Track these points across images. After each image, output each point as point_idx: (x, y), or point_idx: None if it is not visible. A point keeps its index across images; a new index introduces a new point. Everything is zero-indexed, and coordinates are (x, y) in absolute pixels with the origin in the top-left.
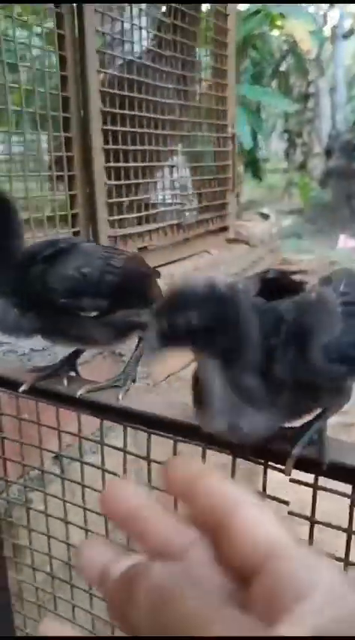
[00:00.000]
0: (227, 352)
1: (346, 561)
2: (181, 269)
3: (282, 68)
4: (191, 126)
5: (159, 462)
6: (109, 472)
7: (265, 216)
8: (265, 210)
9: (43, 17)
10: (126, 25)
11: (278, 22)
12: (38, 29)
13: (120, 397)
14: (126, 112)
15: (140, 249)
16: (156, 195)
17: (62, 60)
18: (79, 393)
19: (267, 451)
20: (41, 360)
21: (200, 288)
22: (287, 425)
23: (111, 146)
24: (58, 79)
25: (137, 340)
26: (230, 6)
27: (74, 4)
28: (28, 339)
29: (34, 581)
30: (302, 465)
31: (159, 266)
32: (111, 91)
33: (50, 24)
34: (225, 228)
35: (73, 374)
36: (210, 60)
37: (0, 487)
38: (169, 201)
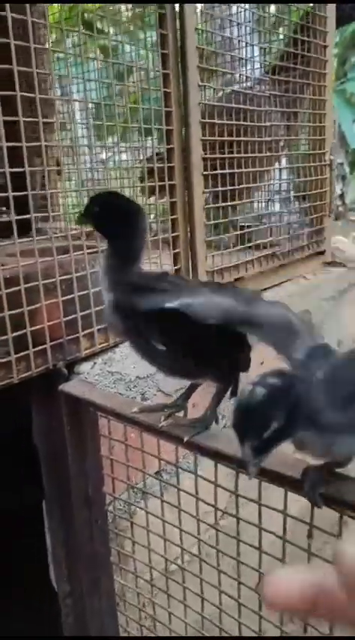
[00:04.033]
0: None
1: None
2: (274, 295)
3: None
4: (292, 158)
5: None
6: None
7: None
8: None
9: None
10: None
11: None
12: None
13: (185, 439)
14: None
15: (236, 279)
16: (254, 222)
17: (164, 59)
18: (161, 424)
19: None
20: (145, 385)
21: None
22: None
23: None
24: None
25: (215, 391)
26: (328, 28)
27: (176, 4)
28: None
29: (136, 586)
30: None
31: None
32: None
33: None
34: (321, 252)
35: (180, 414)
36: (308, 91)
37: (108, 500)
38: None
